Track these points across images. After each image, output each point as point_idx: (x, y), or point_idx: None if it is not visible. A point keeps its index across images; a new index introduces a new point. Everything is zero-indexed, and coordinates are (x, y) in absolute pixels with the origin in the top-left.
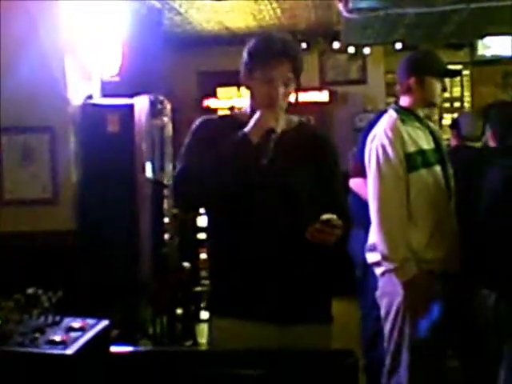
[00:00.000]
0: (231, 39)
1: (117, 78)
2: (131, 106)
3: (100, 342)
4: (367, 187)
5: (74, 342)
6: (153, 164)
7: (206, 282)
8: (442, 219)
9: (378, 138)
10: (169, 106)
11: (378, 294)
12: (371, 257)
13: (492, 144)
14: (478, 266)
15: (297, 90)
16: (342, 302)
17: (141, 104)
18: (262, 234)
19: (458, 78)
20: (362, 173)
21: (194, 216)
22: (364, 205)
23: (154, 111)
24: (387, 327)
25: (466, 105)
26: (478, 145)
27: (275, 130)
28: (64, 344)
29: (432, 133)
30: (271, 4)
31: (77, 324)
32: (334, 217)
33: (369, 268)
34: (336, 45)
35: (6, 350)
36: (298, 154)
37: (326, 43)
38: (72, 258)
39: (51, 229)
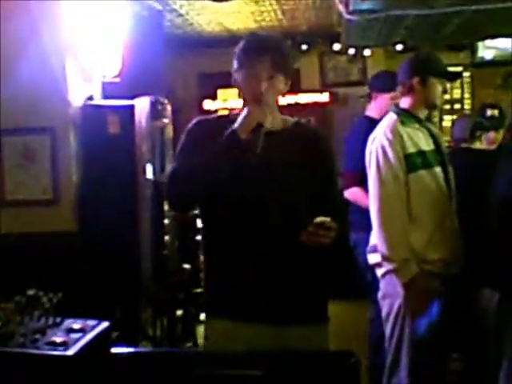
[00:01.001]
0: (232, 41)
1: (117, 80)
2: (132, 108)
3: (100, 343)
4: (365, 194)
5: (75, 344)
6: (153, 165)
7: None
8: (442, 220)
9: (378, 140)
10: (169, 108)
11: (379, 295)
12: (372, 258)
13: (488, 147)
14: (480, 267)
15: (296, 92)
16: (347, 304)
17: (141, 105)
18: (255, 234)
19: (459, 80)
20: (356, 182)
21: (193, 218)
22: (364, 212)
23: (155, 112)
24: (388, 328)
25: (467, 107)
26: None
27: (263, 125)
28: (64, 345)
29: (432, 134)
30: (272, 6)
31: (77, 325)
32: (328, 219)
33: (373, 272)
34: (336, 46)
35: (7, 351)
36: (292, 154)
37: (327, 45)
38: (72, 259)
39: (52, 230)
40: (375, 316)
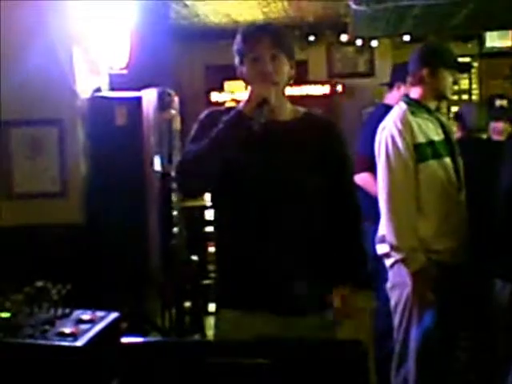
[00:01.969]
0: None
1: (125, 71)
2: (139, 99)
3: (110, 334)
4: (374, 181)
5: (84, 334)
6: (161, 157)
7: (214, 275)
8: (450, 210)
9: (388, 129)
10: (176, 99)
11: (388, 285)
12: (381, 248)
13: (496, 137)
14: (492, 257)
15: (304, 83)
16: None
17: (149, 97)
18: (265, 226)
19: None
20: (367, 167)
21: (202, 209)
22: (373, 200)
23: (162, 104)
24: (396, 318)
25: (474, 97)
26: (485, 136)
27: (268, 101)
28: (74, 336)
29: (442, 125)
30: None
31: (86, 316)
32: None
33: (380, 262)
34: (344, 37)
35: (17, 342)
36: (303, 143)
37: (334, 36)
38: (81, 250)
39: (60, 222)
40: (380, 306)
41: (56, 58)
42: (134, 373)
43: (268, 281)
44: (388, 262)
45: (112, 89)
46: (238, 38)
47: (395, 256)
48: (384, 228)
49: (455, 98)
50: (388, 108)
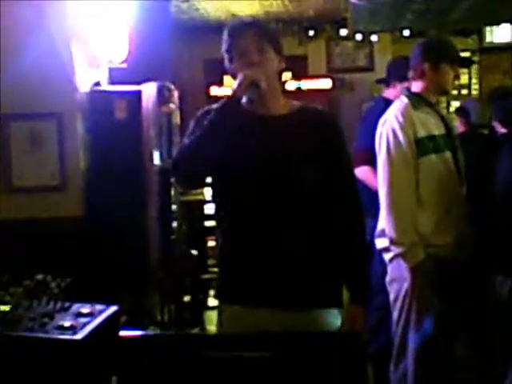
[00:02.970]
0: None
1: (124, 65)
2: (139, 93)
3: (109, 327)
4: (374, 174)
5: (83, 328)
6: (160, 151)
7: (214, 269)
8: (451, 205)
9: (389, 123)
10: (176, 93)
11: (387, 279)
12: (380, 242)
13: (501, 131)
14: (492, 253)
15: (303, 77)
16: None
17: (148, 91)
18: (265, 220)
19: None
20: (367, 161)
21: (201, 204)
22: (372, 193)
23: (162, 98)
24: (395, 313)
25: (474, 92)
26: (486, 131)
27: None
28: (73, 329)
29: (443, 119)
30: None
31: (86, 310)
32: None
33: (372, 256)
34: (343, 32)
35: (16, 335)
36: (301, 137)
37: (334, 30)
38: (80, 244)
39: (59, 215)
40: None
41: (55, 51)
42: (132, 366)
43: (270, 275)
44: (387, 256)
45: (111, 83)
46: (225, 35)
47: (394, 250)
48: (384, 222)
49: (454, 92)
50: (387, 101)
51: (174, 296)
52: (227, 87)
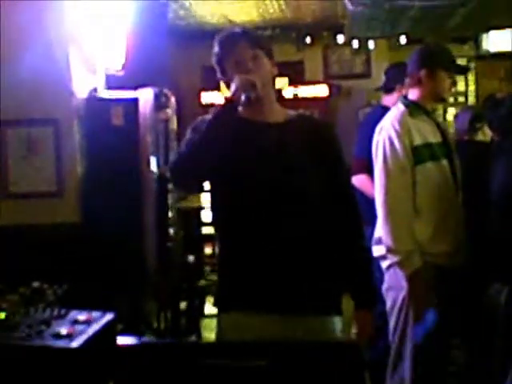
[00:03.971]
0: None
1: (121, 71)
2: (136, 99)
3: (106, 334)
4: (371, 183)
5: (80, 335)
6: (157, 157)
7: (211, 276)
8: (447, 213)
9: (386, 131)
10: (173, 99)
11: (383, 287)
12: (377, 250)
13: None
14: (489, 260)
15: (300, 84)
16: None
17: (145, 97)
18: (264, 226)
19: None
20: (364, 169)
21: (198, 210)
22: (369, 201)
23: (159, 104)
24: (392, 321)
25: (471, 99)
26: (474, 138)
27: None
28: (70, 337)
29: (439, 127)
30: None
31: (82, 317)
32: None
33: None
34: (340, 38)
35: (12, 343)
36: (297, 145)
37: (331, 37)
38: (76, 250)
39: (56, 221)
40: None
41: (52, 57)
42: (129, 374)
43: (269, 281)
44: (384, 264)
45: (108, 89)
46: (216, 47)
47: (391, 258)
48: (380, 230)
49: (451, 100)
50: (385, 110)
51: (171, 303)
52: (224, 94)
